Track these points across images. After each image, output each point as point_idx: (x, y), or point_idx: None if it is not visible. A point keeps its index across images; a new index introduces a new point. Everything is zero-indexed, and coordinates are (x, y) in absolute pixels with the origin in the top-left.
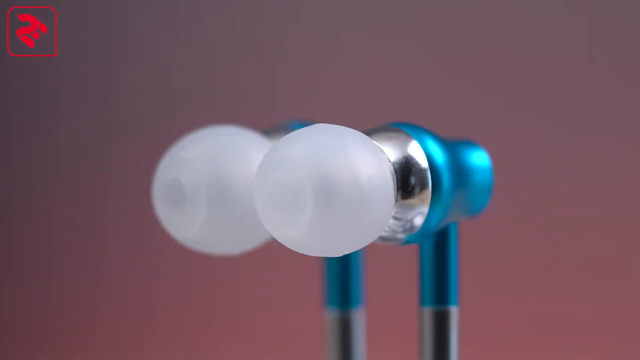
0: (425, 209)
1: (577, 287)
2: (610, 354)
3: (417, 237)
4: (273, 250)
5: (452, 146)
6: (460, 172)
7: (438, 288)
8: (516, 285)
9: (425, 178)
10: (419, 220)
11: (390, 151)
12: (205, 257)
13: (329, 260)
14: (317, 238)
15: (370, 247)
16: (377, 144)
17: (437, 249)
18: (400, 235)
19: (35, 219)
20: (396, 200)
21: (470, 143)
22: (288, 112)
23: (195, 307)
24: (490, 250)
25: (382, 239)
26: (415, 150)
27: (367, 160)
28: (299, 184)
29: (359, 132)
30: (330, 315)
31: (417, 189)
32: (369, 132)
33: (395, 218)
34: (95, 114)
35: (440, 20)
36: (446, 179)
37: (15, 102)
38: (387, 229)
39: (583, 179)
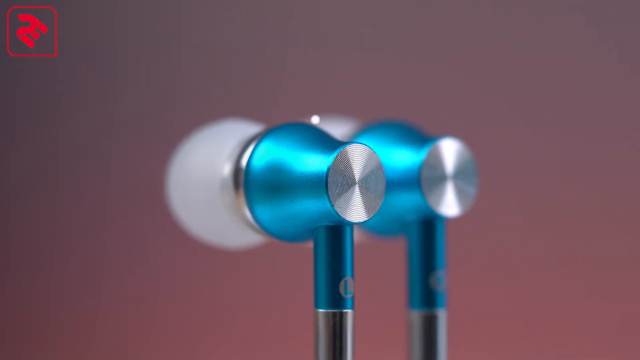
0: (244, 204)
1: (571, 289)
2: (609, 354)
3: (273, 233)
4: (273, 250)
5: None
6: (288, 174)
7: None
8: (509, 286)
9: (240, 177)
10: (248, 214)
11: (240, 153)
12: (204, 257)
13: (411, 263)
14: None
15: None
16: (239, 146)
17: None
18: (255, 226)
19: (35, 218)
20: (235, 195)
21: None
22: (287, 110)
23: (195, 308)
24: (485, 249)
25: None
26: (247, 153)
27: (201, 164)
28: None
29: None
30: (414, 316)
31: (239, 186)
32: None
33: (233, 209)
34: (95, 113)
35: (439, 19)
36: (254, 179)
37: (15, 102)
38: (238, 220)
39: (582, 179)
